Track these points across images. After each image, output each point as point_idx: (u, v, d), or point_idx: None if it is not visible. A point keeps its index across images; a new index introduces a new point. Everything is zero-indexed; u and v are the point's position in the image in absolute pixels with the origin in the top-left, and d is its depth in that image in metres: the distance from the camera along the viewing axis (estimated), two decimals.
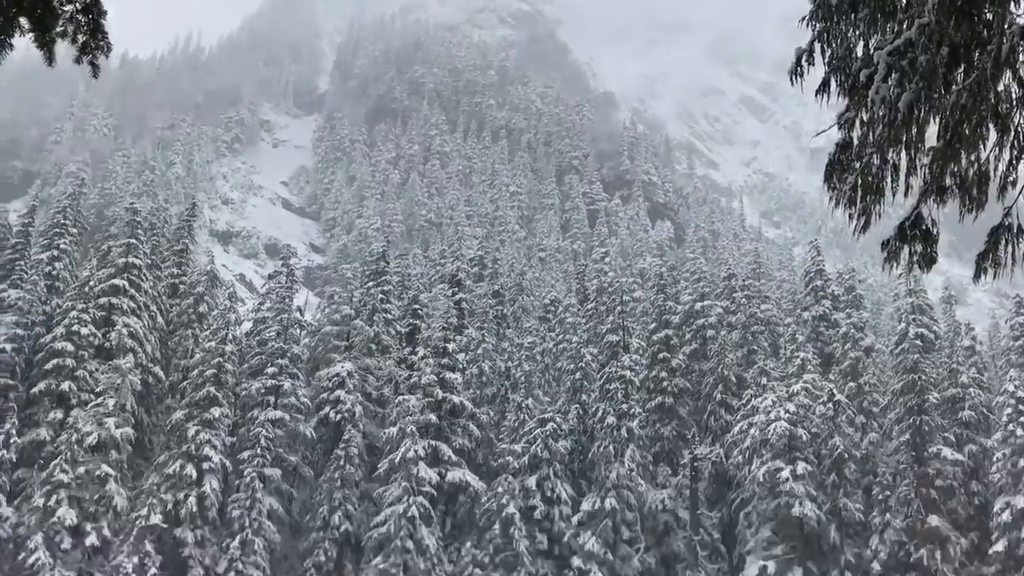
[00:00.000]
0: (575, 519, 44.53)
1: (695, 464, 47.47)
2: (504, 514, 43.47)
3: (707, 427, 50.44)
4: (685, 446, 48.99)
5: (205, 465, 43.09)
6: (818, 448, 44.75)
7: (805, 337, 55.36)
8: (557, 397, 50.93)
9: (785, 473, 42.42)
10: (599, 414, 46.45)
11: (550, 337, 57.32)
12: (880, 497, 42.93)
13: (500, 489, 44.29)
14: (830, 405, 44.63)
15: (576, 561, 42.90)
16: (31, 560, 39.13)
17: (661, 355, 52.26)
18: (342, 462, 45.71)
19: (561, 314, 59.88)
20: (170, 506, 41.67)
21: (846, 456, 43.76)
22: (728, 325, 56.64)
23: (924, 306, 56.13)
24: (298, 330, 52.61)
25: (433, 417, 46.93)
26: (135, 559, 39.75)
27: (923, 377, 45.20)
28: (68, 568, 39.83)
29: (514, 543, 43.11)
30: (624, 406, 45.85)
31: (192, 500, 42.08)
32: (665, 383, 51.31)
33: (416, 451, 44.12)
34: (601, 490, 44.50)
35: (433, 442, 46.06)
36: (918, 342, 51.04)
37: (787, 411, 43.91)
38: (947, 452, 43.00)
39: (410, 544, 42.02)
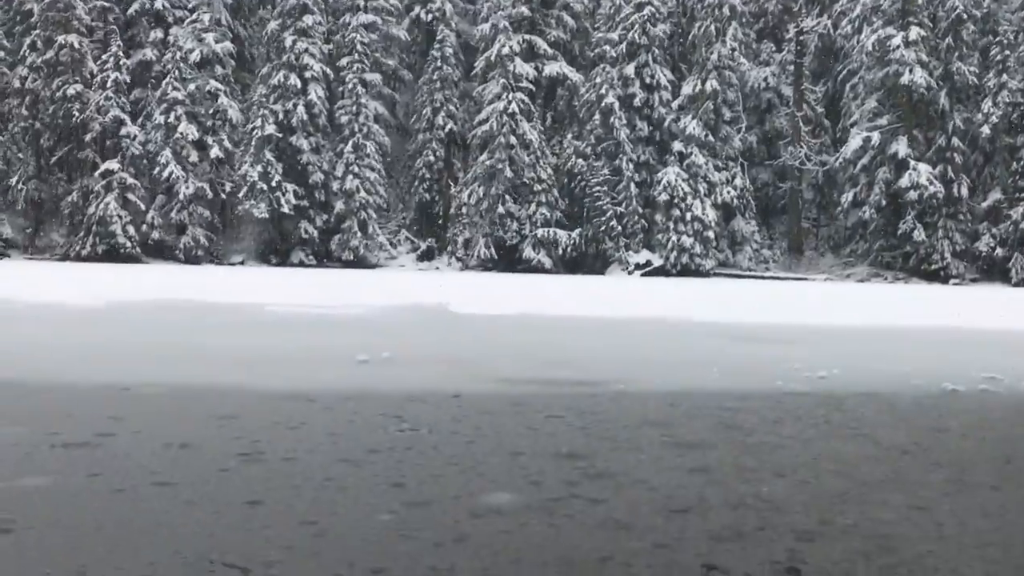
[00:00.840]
0: (675, 104, 44.43)
1: (800, 38, 45.62)
2: (603, 104, 43.64)
3: None
4: (791, 19, 46.76)
5: (307, 74, 43.99)
6: (934, 10, 42.11)
7: None
8: None
9: (896, 40, 40.47)
10: None
11: None
12: (998, 58, 40.87)
13: (598, 79, 44.05)
14: None
15: (677, 145, 43.50)
16: (165, 174, 42.22)
17: None
18: (439, 63, 45.86)
19: None
20: (281, 116, 43.33)
21: (964, 16, 41.15)
22: None
23: None
24: None
25: (525, 9, 45.71)
26: (259, 168, 42.33)
27: None
28: (199, 179, 42.90)
29: (615, 132, 43.70)
30: None
31: (301, 109, 43.57)
32: None
33: (511, 47, 43.67)
34: (702, 72, 43.75)
35: (527, 36, 45.33)
36: None
37: None
38: None
39: (513, 140, 43.16)
